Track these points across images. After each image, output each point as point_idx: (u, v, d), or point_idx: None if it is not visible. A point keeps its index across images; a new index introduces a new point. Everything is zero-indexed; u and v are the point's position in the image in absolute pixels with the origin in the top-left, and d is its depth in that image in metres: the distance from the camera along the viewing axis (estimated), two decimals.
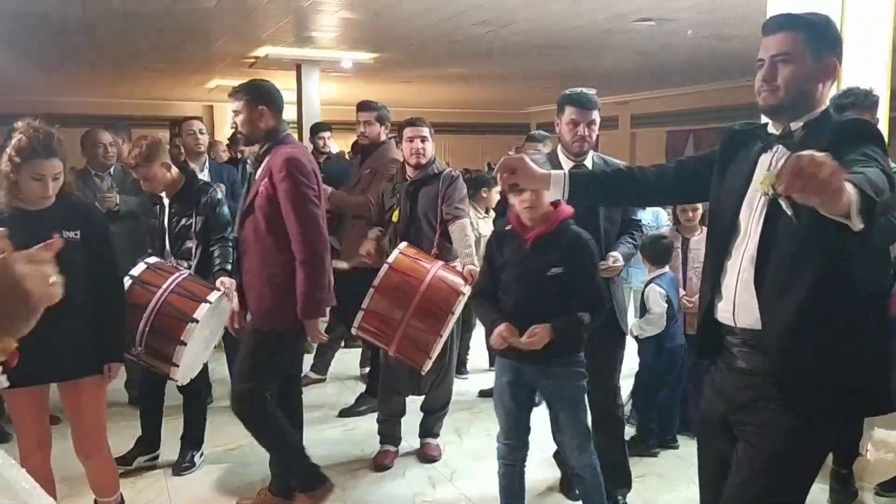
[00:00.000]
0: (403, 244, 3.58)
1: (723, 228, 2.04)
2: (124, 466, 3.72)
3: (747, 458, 1.97)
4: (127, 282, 3.28)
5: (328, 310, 3.21)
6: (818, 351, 1.87)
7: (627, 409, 4.36)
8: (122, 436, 3.95)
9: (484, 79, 13.29)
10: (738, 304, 1.97)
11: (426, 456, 3.96)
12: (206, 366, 3.58)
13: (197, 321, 3.23)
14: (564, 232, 2.79)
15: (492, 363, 4.93)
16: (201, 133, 5.13)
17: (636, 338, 4.09)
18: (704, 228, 4.17)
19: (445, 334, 3.42)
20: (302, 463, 3.28)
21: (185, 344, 3.22)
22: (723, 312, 2.03)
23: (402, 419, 4.02)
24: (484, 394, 4.85)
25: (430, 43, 9.37)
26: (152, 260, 3.52)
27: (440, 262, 3.58)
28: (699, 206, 4.29)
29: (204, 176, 4.89)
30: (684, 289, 4.13)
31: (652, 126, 16.66)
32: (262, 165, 3.09)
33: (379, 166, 4.42)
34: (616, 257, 3.20)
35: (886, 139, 3.49)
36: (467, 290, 3.43)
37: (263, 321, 3.13)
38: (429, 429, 4.02)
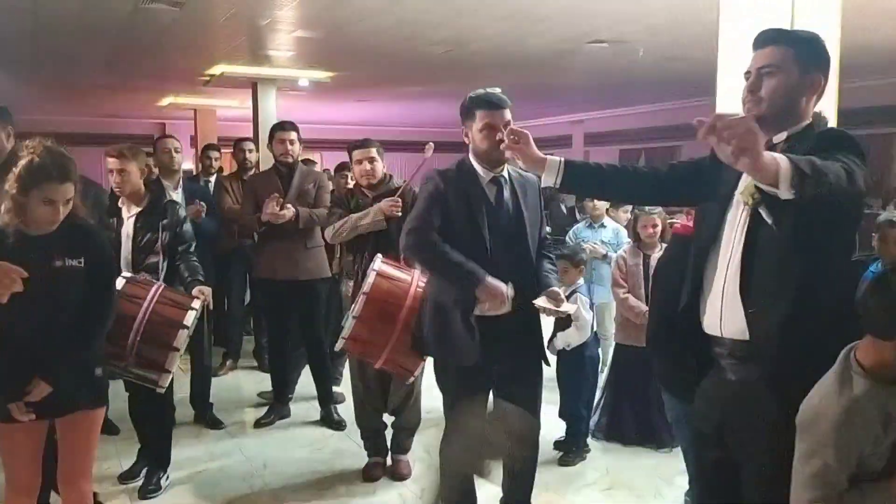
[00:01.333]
0: (378, 263, 3.49)
1: (706, 237, 2.06)
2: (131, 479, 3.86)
3: (750, 473, 1.97)
4: None
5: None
6: (808, 357, 1.88)
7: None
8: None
9: (441, 97, 13.37)
10: (726, 315, 1.97)
11: (396, 473, 3.95)
12: (171, 386, 3.54)
13: (187, 327, 3.30)
14: None
15: None
16: (176, 151, 5.10)
17: (559, 352, 4.17)
18: (664, 245, 4.26)
19: None
20: None
21: (179, 350, 3.27)
22: (709, 323, 2.04)
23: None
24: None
25: (388, 62, 9.40)
26: (128, 274, 3.50)
27: (416, 272, 3.54)
28: (658, 222, 4.37)
29: (177, 195, 4.85)
30: (646, 305, 4.21)
31: (605, 144, 16.94)
32: None
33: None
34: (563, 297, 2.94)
35: None
36: None
37: None
38: (399, 445, 4.02)
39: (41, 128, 10.93)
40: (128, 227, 3.71)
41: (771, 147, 1.94)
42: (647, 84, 11.35)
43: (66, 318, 2.57)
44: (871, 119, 11.66)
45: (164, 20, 6.87)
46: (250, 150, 5.90)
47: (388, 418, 4.05)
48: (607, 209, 5.49)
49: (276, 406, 4.78)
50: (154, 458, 3.87)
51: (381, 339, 3.35)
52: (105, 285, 2.75)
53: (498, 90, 3.06)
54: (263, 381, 5.45)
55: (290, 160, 4.60)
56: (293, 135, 4.62)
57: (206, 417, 4.68)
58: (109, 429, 4.41)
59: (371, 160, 3.93)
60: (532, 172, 2.43)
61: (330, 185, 4.89)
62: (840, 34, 4.31)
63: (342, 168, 5.67)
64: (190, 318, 3.33)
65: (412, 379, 3.56)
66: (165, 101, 13.53)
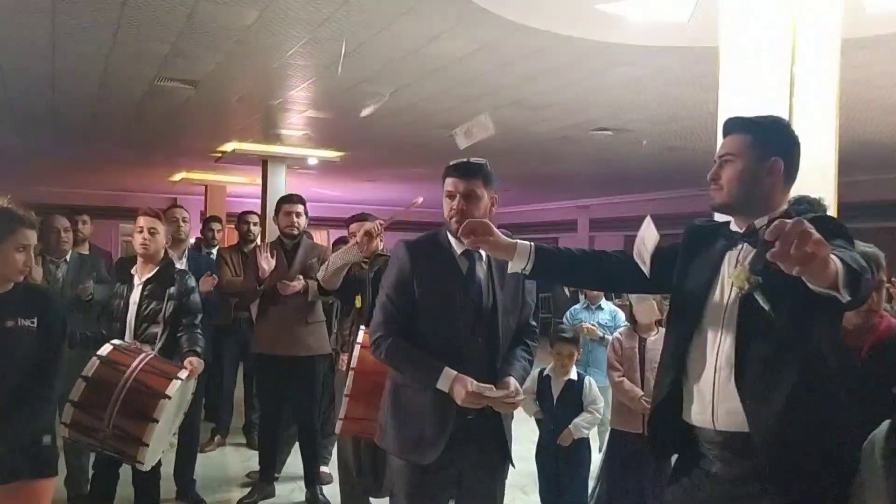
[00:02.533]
0: (361, 335, 3.46)
1: (686, 327, 2.01)
2: None
3: None
4: (94, 362, 3.21)
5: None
6: (808, 450, 1.82)
7: None
8: None
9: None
10: (719, 407, 1.90)
11: None
12: (158, 464, 3.48)
13: (169, 397, 3.17)
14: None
15: None
16: (184, 221, 5.15)
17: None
18: (662, 329, 4.22)
19: None
20: None
21: (157, 421, 3.13)
22: (697, 416, 1.96)
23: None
24: None
25: (396, 144, 9.60)
26: (117, 341, 3.45)
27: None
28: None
29: (182, 264, 4.88)
30: (642, 389, 4.14)
31: (610, 230, 17.05)
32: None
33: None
34: (515, 388, 2.55)
35: None
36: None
37: None
38: None
39: (55, 200, 11.18)
40: (135, 295, 3.73)
41: (753, 232, 1.95)
42: (651, 172, 11.52)
43: (14, 380, 2.51)
44: (876, 213, 11.74)
45: (179, 99, 7.07)
46: (255, 223, 5.96)
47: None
48: None
49: (261, 485, 4.67)
50: None
51: (375, 412, 3.31)
52: (56, 347, 2.69)
53: (480, 161, 2.70)
54: (251, 459, 5.34)
55: (296, 232, 4.64)
56: (300, 207, 4.67)
57: (189, 495, 4.56)
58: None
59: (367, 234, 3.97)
60: (501, 259, 2.23)
61: None
62: (837, 130, 4.40)
63: (341, 242, 5.70)
64: (174, 388, 3.21)
65: None
66: (178, 177, 13.77)
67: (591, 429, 4.07)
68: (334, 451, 4.58)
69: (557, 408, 4.07)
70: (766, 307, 1.75)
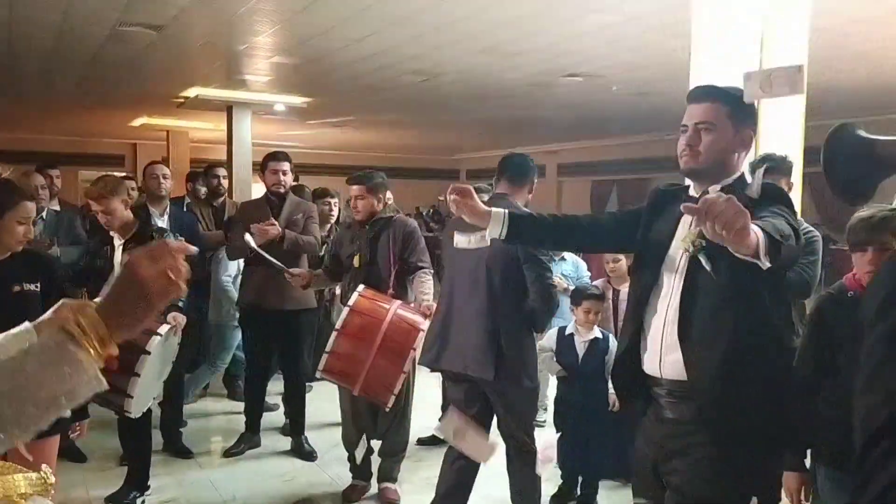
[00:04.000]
0: (361, 286, 3.64)
1: (645, 282, 2.15)
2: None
3: None
4: None
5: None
6: (743, 399, 1.97)
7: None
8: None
9: (415, 125, 13.47)
10: (665, 357, 2.05)
11: (385, 499, 3.94)
12: (149, 410, 3.52)
13: (149, 353, 3.23)
14: None
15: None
16: (164, 178, 5.04)
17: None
18: None
19: (408, 370, 3.51)
20: None
21: (139, 375, 3.20)
22: (649, 364, 2.12)
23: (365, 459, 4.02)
24: (422, 442, 4.80)
25: (364, 90, 9.46)
26: (99, 300, 3.43)
27: (398, 301, 3.65)
28: (621, 256, 4.42)
29: (164, 221, 4.81)
30: (616, 339, 4.21)
31: (578, 175, 17.14)
32: None
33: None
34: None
35: (801, 193, 3.75)
36: (426, 325, 3.52)
37: None
38: (387, 473, 4.00)
39: (14, 146, 10.88)
40: (118, 255, 3.71)
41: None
42: (620, 117, 11.55)
43: None
44: None
45: (141, 43, 6.86)
46: (224, 177, 5.87)
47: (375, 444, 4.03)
48: None
49: (247, 436, 4.73)
50: (130, 478, 3.85)
51: (353, 371, 3.44)
52: None
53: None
54: (234, 410, 5.39)
55: (282, 190, 4.60)
56: (286, 165, 4.62)
57: (176, 446, 4.61)
58: (77, 456, 4.33)
59: (356, 198, 3.96)
60: (477, 225, 2.34)
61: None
62: (807, 76, 4.45)
63: (324, 195, 5.64)
64: (153, 343, 3.25)
65: (387, 408, 3.56)
66: (138, 122, 13.44)
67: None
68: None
69: (584, 365, 3.93)
70: (708, 268, 1.91)
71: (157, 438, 4.59)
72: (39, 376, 0.96)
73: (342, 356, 3.45)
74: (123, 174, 14.99)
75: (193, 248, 1.10)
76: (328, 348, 3.44)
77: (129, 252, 3.70)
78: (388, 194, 4.38)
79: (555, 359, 3.97)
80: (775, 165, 3.22)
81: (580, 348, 3.97)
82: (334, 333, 3.44)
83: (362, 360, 3.40)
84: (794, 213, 1.97)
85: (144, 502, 3.85)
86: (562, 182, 17.66)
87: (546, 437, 3.45)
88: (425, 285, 3.81)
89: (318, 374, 3.56)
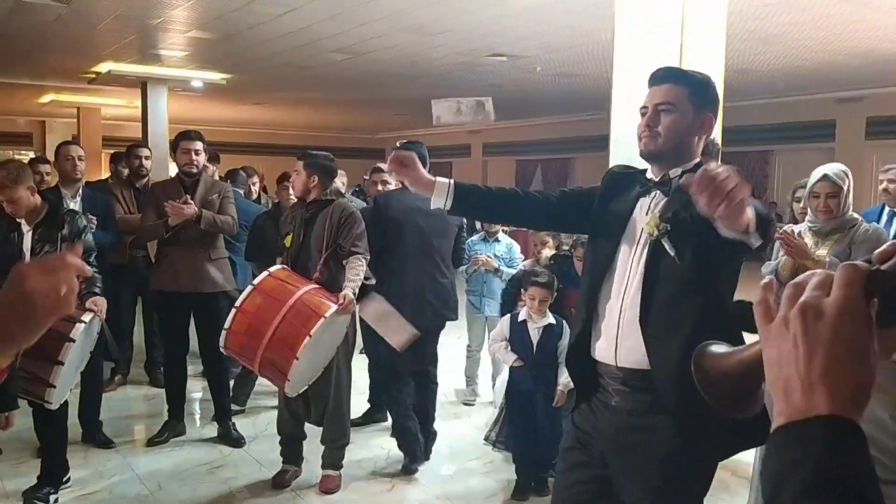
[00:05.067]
0: (277, 266, 3.56)
1: (599, 268, 2.08)
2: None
3: (633, 499, 2.00)
4: None
5: None
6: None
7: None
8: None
9: (338, 104, 13.28)
10: (622, 344, 1.98)
11: (324, 487, 3.87)
12: (66, 402, 3.40)
13: (74, 340, 3.13)
14: None
15: (373, 395, 4.87)
16: (79, 160, 4.79)
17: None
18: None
19: (302, 357, 3.35)
20: None
21: (63, 363, 3.11)
22: (601, 351, 2.04)
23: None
24: (355, 423, 4.76)
25: (285, 67, 9.26)
26: None
27: (312, 286, 3.54)
28: (548, 238, 4.47)
29: (76, 204, 4.59)
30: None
31: (502, 155, 17.28)
32: None
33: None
34: None
35: None
36: (331, 313, 3.42)
37: None
38: (328, 460, 3.94)
39: None
40: (27, 241, 3.54)
41: (667, 181, 2.03)
42: (543, 97, 11.67)
43: None
44: (750, 137, 12.42)
45: (49, 16, 6.53)
46: (146, 157, 5.64)
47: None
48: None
49: (171, 423, 4.60)
50: (45, 472, 3.69)
51: (249, 351, 3.41)
52: None
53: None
54: (155, 397, 5.23)
55: (195, 170, 4.44)
56: (199, 144, 4.46)
57: (96, 436, 4.44)
58: None
59: (293, 172, 3.90)
60: (421, 194, 2.25)
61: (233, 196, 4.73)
62: (724, 57, 4.60)
63: (283, 179, 5.46)
64: (77, 331, 3.16)
65: (288, 389, 3.50)
66: (46, 99, 12.83)
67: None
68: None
69: (539, 352, 3.83)
70: (672, 253, 1.86)
71: (75, 430, 4.43)
72: None
73: (239, 334, 3.41)
74: (32, 153, 14.35)
75: (89, 270, 1.02)
76: (226, 325, 3.40)
77: (38, 235, 3.54)
78: (339, 180, 4.32)
79: (509, 348, 3.85)
80: (705, 150, 3.28)
81: (534, 335, 3.84)
82: (233, 310, 3.41)
83: (259, 341, 3.35)
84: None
85: (58, 500, 3.70)
86: (487, 161, 17.77)
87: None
88: (352, 271, 3.71)
89: (221, 349, 3.52)
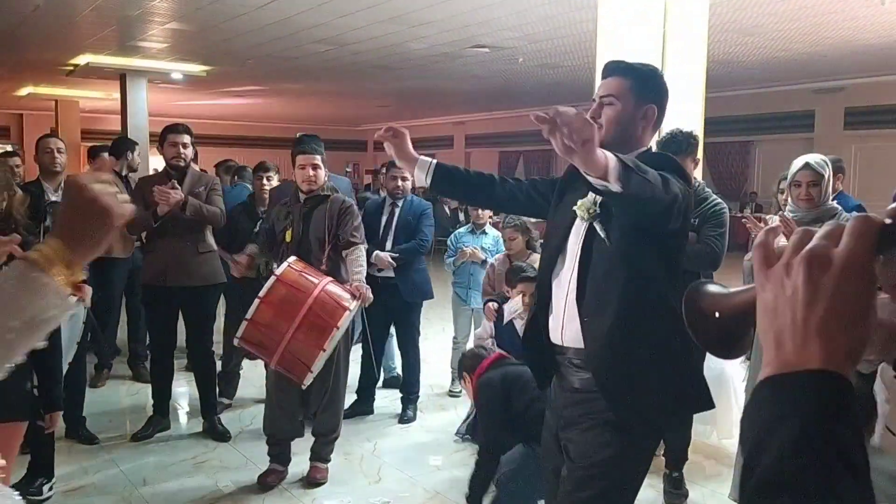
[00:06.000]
0: (293, 258, 3.53)
1: (551, 253, 2.19)
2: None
3: (570, 473, 2.09)
4: None
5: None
6: (634, 362, 2.00)
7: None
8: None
9: (320, 95, 13.21)
10: (566, 324, 2.09)
11: (312, 478, 3.85)
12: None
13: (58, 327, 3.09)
14: None
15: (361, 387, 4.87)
16: (59, 152, 4.75)
17: None
18: (535, 254, 4.36)
19: (329, 348, 3.40)
20: None
21: None
22: (553, 332, 2.15)
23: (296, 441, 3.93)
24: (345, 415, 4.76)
25: (266, 59, 9.20)
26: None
27: (328, 278, 3.56)
28: (517, 235, 4.47)
29: (58, 197, 4.52)
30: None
31: (485, 146, 17.29)
32: None
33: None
34: None
35: (702, 160, 3.88)
36: (354, 305, 3.48)
37: None
38: (318, 452, 3.92)
39: None
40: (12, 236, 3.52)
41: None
42: (526, 89, 11.68)
43: None
44: (730, 128, 12.50)
45: (26, 7, 6.43)
46: (139, 154, 5.62)
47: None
48: (491, 216, 5.56)
49: (156, 418, 4.57)
50: (36, 465, 3.67)
51: (271, 343, 3.35)
52: None
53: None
54: (139, 392, 5.20)
55: (182, 164, 4.41)
56: (186, 137, 4.42)
57: (79, 432, 4.41)
58: None
59: (315, 166, 3.80)
60: (405, 168, 2.45)
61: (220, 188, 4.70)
62: (706, 48, 4.63)
63: (259, 169, 5.41)
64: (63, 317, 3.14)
65: (303, 386, 3.51)
66: (24, 92, 12.66)
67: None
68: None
69: None
70: (603, 234, 1.98)
71: (59, 425, 4.39)
72: (5, 304, 0.91)
73: (262, 325, 3.36)
74: (9, 147, 14.16)
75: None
76: (248, 315, 3.32)
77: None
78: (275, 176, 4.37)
79: (495, 344, 3.89)
80: (680, 148, 3.29)
81: (521, 330, 3.92)
82: (256, 301, 3.33)
83: (282, 332, 3.31)
84: (684, 178, 2.00)
85: (52, 488, 3.69)
86: (469, 152, 17.77)
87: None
88: (357, 262, 3.75)
89: (235, 342, 3.46)
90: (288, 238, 3.81)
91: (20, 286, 0.92)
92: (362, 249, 3.81)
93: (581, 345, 2.04)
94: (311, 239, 3.79)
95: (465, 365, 3.47)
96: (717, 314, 0.71)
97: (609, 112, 2.08)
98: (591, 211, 1.99)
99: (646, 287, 2.00)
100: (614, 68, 2.14)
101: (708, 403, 2.16)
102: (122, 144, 5.67)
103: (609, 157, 1.66)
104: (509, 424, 3.16)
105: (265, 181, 5.10)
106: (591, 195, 1.99)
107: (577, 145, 1.55)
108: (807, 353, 0.56)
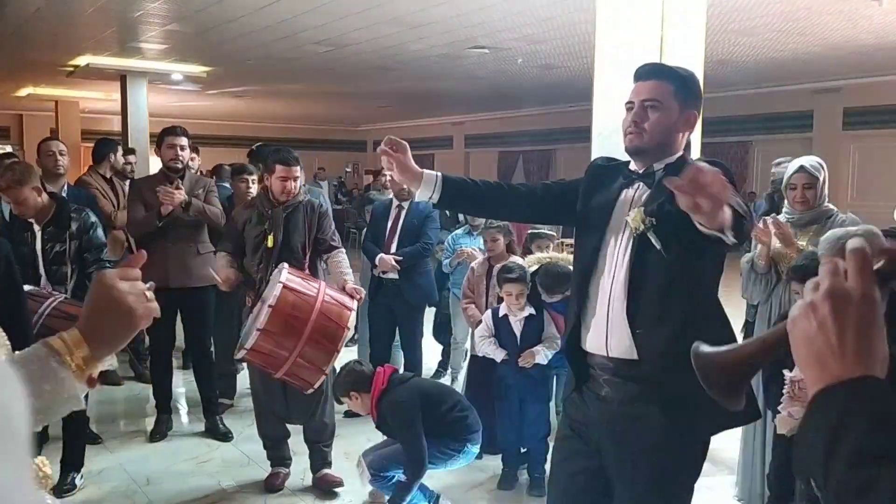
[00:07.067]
0: (285, 265, 3.49)
1: (587, 260, 2.11)
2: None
3: (628, 489, 2.03)
4: None
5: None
6: (691, 372, 1.94)
7: None
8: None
9: (320, 96, 13.23)
10: (612, 336, 2.01)
11: (326, 485, 3.80)
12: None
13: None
14: None
15: None
16: (61, 154, 4.79)
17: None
18: (514, 256, 4.36)
19: (342, 349, 3.43)
20: None
21: None
22: (592, 343, 2.07)
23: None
24: (349, 414, 4.76)
25: (266, 60, 9.23)
26: (28, 287, 3.29)
27: (323, 282, 3.58)
28: (499, 237, 4.45)
29: None
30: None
31: (485, 147, 17.31)
32: None
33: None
34: None
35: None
36: (354, 305, 3.50)
37: None
38: (320, 460, 3.89)
39: None
40: (39, 241, 3.61)
41: (650, 174, 2.05)
42: (525, 89, 11.70)
43: None
44: (729, 128, 12.53)
45: (28, 8, 6.46)
46: (136, 155, 5.66)
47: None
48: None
49: (162, 418, 4.59)
50: (69, 459, 3.75)
51: (284, 351, 3.30)
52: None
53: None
54: (141, 392, 5.23)
55: (180, 166, 4.43)
56: (184, 140, 4.45)
57: (82, 431, 4.44)
58: None
59: (295, 178, 3.81)
60: (406, 185, 2.23)
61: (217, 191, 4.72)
62: (704, 49, 4.65)
63: (241, 171, 5.41)
64: None
65: (311, 390, 3.51)
66: (24, 92, 12.68)
67: (548, 357, 3.98)
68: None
69: (523, 345, 3.88)
70: (658, 246, 1.88)
71: (59, 427, 4.43)
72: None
73: (275, 334, 3.28)
74: (9, 147, 14.18)
75: (142, 258, 1.12)
76: (260, 325, 3.23)
77: (47, 235, 3.59)
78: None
79: (496, 343, 3.92)
80: None
81: (517, 328, 3.92)
82: (267, 310, 3.23)
83: (295, 340, 3.28)
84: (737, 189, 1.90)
85: (83, 477, 3.76)
86: (469, 153, 17.79)
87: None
88: (343, 264, 3.77)
89: (240, 354, 3.35)
90: (270, 243, 3.78)
91: (34, 373, 0.94)
92: (343, 253, 3.85)
93: (630, 355, 1.97)
94: (292, 244, 3.79)
95: (351, 382, 3.57)
96: (721, 370, 0.94)
97: (654, 117, 1.99)
98: (645, 222, 1.90)
99: (705, 296, 1.97)
100: (653, 71, 2.06)
101: (755, 413, 2.14)
102: (104, 147, 5.65)
103: (726, 210, 1.59)
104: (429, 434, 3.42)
105: (250, 184, 5.09)
106: (642, 203, 1.95)
107: (713, 207, 1.50)
108: (848, 366, 0.71)
